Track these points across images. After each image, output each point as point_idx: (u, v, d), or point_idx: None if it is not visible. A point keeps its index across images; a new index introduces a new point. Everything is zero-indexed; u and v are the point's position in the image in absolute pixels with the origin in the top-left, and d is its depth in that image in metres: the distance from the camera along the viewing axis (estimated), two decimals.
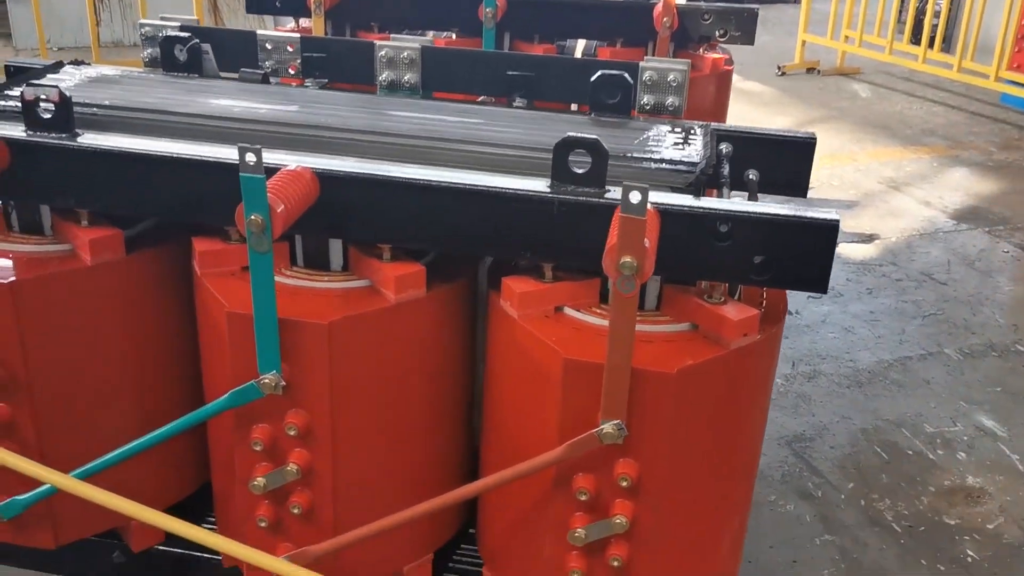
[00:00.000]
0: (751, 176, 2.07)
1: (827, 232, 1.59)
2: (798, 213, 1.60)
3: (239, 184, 1.68)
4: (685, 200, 1.64)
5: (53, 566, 2.24)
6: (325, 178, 1.69)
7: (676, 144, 1.87)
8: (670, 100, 2.18)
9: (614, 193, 1.65)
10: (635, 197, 1.43)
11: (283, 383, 1.70)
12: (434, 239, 1.73)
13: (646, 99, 2.19)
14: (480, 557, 2.10)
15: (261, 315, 1.64)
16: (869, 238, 5.26)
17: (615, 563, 1.71)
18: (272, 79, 2.31)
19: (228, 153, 1.71)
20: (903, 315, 4.37)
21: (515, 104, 2.22)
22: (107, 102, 1.94)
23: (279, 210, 1.56)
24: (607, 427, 1.60)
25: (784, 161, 2.10)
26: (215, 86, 2.12)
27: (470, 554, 2.16)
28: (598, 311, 1.75)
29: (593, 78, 2.11)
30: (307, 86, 2.28)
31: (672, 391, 1.61)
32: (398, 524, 1.80)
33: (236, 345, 1.72)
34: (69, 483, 1.72)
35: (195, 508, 2.20)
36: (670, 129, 1.98)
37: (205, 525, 2.22)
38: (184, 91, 2.07)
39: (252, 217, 1.55)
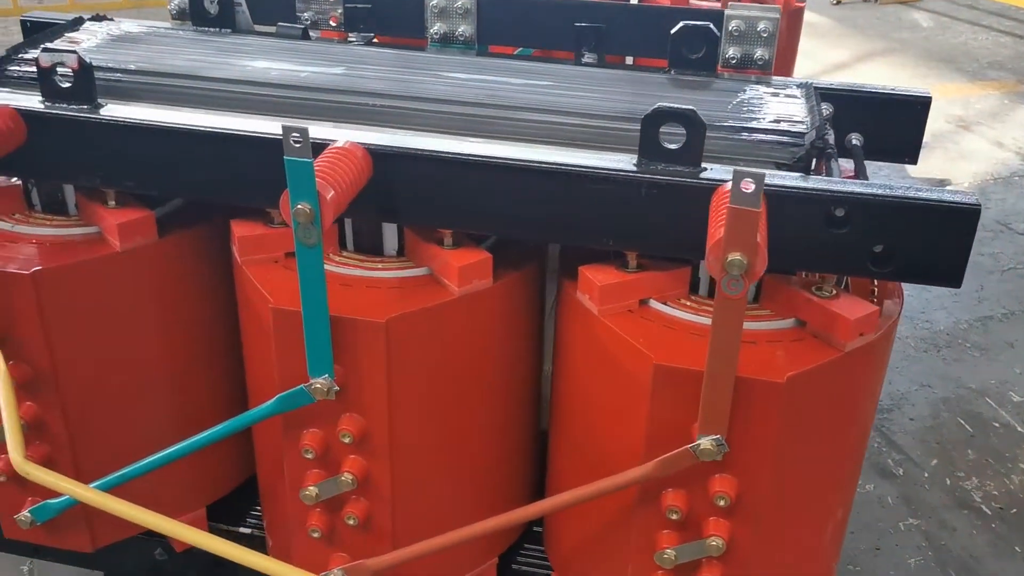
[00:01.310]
0: (855, 141, 1.84)
1: (965, 218, 1.37)
2: (930, 196, 1.37)
3: (282, 164, 1.49)
4: (794, 180, 1.42)
5: (94, 563, 2.12)
6: (379, 155, 1.48)
7: (776, 109, 1.63)
8: (759, 53, 1.93)
9: (711, 171, 1.43)
10: (748, 186, 1.21)
11: (336, 388, 1.51)
12: (503, 224, 1.52)
13: (731, 52, 1.93)
14: (547, 559, 1.94)
15: (311, 314, 1.45)
16: (940, 184, 4.95)
17: None
18: (312, 32, 2.08)
19: (267, 126, 1.51)
20: (980, 269, 4.10)
21: (584, 59, 1.98)
22: (132, 66, 1.74)
23: (329, 196, 1.36)
24: (705, 442, 1.40)
25: (893, 123, 1.85)
26: (250, 44, 1.91)
27: (535, 554, 1.99)
28: (688, 304, 1.55)
29: (674, 30, 1.86)
30: (352, 41, 2.05)
31: (780, 402, 1.40)
32: (465, 539, 1.63)
33: (283, 344, 1.54)
34: (94, 496, 1.56)
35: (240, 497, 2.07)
36: (767, 90, 1.73)
37: (250, 520, 2.08)
38: (216, 51, 1.85)
39: (299, 206, 1.35)
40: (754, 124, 1.57)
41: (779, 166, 1.50)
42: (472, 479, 1.76)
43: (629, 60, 2.62)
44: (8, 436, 1.52)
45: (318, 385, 1.51)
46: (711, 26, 1.85)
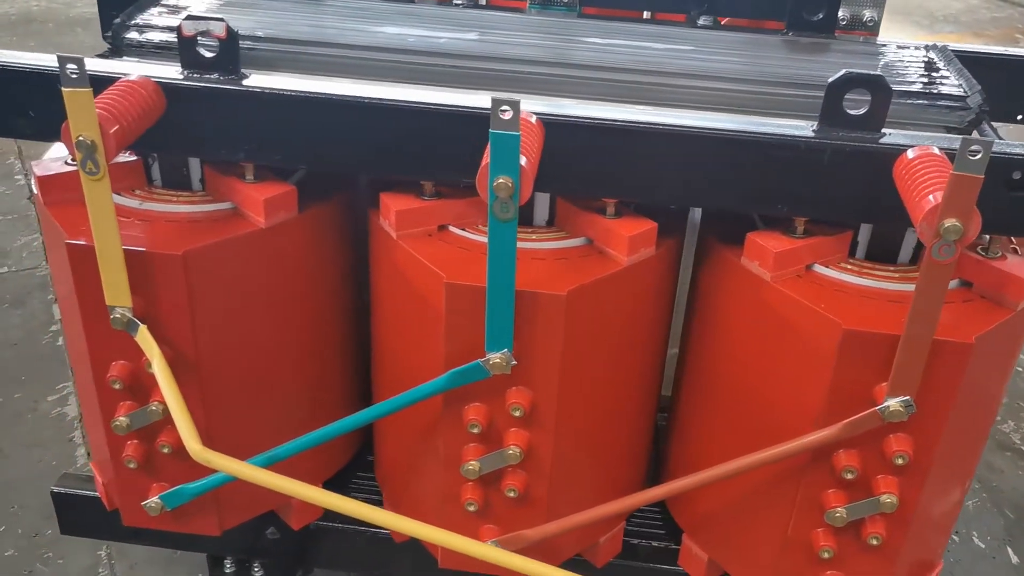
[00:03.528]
0: None
1: None
2: None
3: (454, 134, 1.46)
4: None
5: (194, 544, 2.07)
6: (551, 126, 1.45)
7: (925, 72, 1.65)
8: (868, 14, 1.95)
9: (891, 137, 1.44)
10: (975, 153, 1.23)
11: (513, 362, 1.50)
12: (680, 193, 1.51)
13: (841, 13, 1.95)
14: (661, 519, 1.97)
15: (497, 289, 1.43)
16: None
17: (874, 541, 1.57)
18: None
19: (438, 97, 1.46)
20: None
21: (700, 23, 1.96)
22: (260, 33, 1.66)
23: (523, 165, 1.33)
24: (894, 404, 1.43)
25: (1007, 84, 1.89)
26: (368, 8, 1.84)
27: (651, 514, 2.01)
28: (851, 267, 1.57)
29: None
30: (458, 3, 2.00)
31: (967, 361, 1.44)
32: (624, 510, 1.65)
33: (455, 320, 1.51)
34: (273, 480, 1.51)
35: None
36: (905, 53, 1.75)
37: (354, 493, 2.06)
38: (337, 16, 1.78)
39: (500, 180, 1.32)
40: (913, 88, 1.59)
41: (949, 130, 1.53)
42: (618, 447, 1.77)
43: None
44: (179, 423, 1.47)
45: (496, 360, 1.49)
46: None
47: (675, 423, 1.89)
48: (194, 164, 1.66)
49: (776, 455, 1.52)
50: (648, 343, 1.72)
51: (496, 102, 1.27)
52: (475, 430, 1.57)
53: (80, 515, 2.04)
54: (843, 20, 1.95)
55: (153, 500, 1.72)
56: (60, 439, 2.77)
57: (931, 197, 1.28)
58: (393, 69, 1.60)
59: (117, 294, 1.51)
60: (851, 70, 1.41)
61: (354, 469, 2.08)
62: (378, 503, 1.99)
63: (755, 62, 1.67)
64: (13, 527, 2.47)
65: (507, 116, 1.28)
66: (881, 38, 1.99)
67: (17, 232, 3.94)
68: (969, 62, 1.89)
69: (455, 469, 1.63)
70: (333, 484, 2.01)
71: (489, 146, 1.30)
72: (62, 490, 2.01)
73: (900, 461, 1.49)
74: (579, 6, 2.01)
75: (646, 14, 2.22)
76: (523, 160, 1.33)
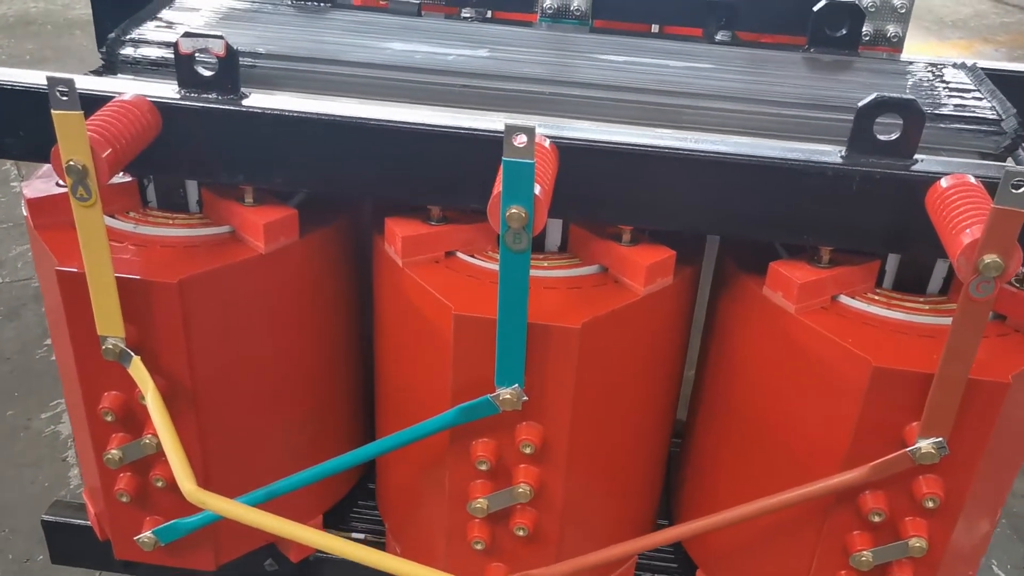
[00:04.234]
0: None
1: None
2: None
3: (464, 158, 1.39)
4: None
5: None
6: (566, 149, 1.38)
7: (956, 93, 1.58)
8: (892, 30, 1.88)
9: (924, 164, 1.37)
10: (1019, 185, 1.16)
11: (524, 398, 1.42)
12: (700, 221, 1.44)
13: (864, 28, 1.88)
14: (673, 554, 1.90)
15: (509, 324, 1.35)
16: None
17: None
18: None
19: (445, 119, 1.39)
20: None
21: (718, 38, 1.89)
22: (261, 49, 1.59)
23: (537, 194, 1.26)
24: (926, 446, 1.36)
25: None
26: (372, 23, 1.76)
27: (663, 548, 1.94)
28: (878, 299, 1.49)
29: (817, 6, 1.79)
30: (466, 16, 1.92)
31: (1002, 401, 1.36)
32: (638, 550, 1.58)
33: (463, 353, 1.44)
34: (270, 522, 1.44)
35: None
36: (934, 72, 1.68)
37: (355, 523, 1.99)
38: (340, 31, 1.71)
39: (513, 210, 1.25)
40: (944, 111, 1.51)
41: (984, 156, 1.46)
42: (631, 484, 1.70)
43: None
44: (173, 462, 1.40)
45: (507, 396, 1.42)
46: (857, 3, 1.78)
47: (690, 453, 1.82)
48: (191, 186, 1.60)
49: (799, 497, 1.44)
50: (664, 376, 1.65)
51: (510, 128, 1.20)
52: (483, 467, 1.50)
53: (71, 544, 1.96)
54: (866, 36, 1.88)
55: (146, 535, 1.65)
56: (53, 459, 2.70)
57: (969, 231, 1.21)
58: (400, 88, 1.53)
59: (109, 324, 1.43)
60: (882, 94, 1.34)
61: (355, 498, 2.01)
62: (381, 534, 1.92)
63: (777, 82, 1.60)
64: (4, 552, 2.40)
65: (521, 143, 1.21)
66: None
67: (12, 241, 3.87)
68: (996, 80, 1.82)
69: (462, 506, 1.56)
70: (334, 514, 1.94)
71: (501, 174, 1.23)
72: (53, 519, 1.94)
73: (931, 504, 1.42)
74: (591, 20, 1.94)
75: (654, 27, 2.16)
76: (537, 189, 1.26)
